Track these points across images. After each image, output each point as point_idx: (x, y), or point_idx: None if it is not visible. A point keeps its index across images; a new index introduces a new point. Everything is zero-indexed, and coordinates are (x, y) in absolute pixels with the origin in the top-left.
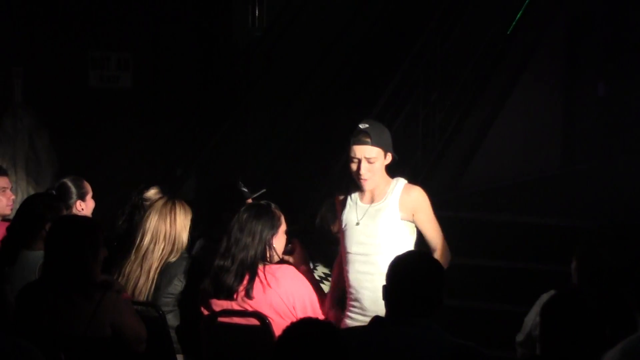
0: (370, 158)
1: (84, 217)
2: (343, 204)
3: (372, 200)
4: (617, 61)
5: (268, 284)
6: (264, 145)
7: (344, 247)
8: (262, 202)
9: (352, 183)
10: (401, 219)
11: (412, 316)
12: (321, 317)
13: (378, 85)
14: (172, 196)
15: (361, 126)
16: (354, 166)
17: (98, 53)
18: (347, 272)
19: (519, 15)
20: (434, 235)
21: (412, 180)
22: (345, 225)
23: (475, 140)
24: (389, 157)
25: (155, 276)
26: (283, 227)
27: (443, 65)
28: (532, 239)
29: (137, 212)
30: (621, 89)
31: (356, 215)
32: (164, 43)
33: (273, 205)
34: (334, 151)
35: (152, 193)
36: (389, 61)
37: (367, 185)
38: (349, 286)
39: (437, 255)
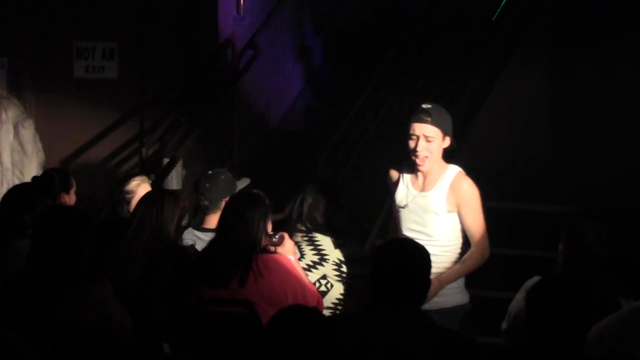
0: (429, 137)
1: (73, 207)
2: (396, 183)
3: (422, 188)
4: (602, 45)
5: (260, 273)
6: (249, 134)
7: (398, 227)
8: (254, 190)
9: (407, 162)
10: (447, 212)
11: (400, 303)
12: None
13: (365, 71)
14: (159, 186)
15: (424, 105)
16: (412, 143)
17: (83, 43)
18: None
19: (504, 1)
20: (474, 230)
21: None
22: (397, 206)
23: (461, 127)
24: (447, 140)
25: (142, 265)
26: (270, 216)
27: (429, 53)
28: (517, 225)
29: (120, 204)
30: (606, 74)
31: (406, 199)
32: (150, 32)
33: (262, 194)
34: (319, 141)
35: (133, 185)
36: (376, 49)
37: (423, 164)
38: None
39: (472, 250)
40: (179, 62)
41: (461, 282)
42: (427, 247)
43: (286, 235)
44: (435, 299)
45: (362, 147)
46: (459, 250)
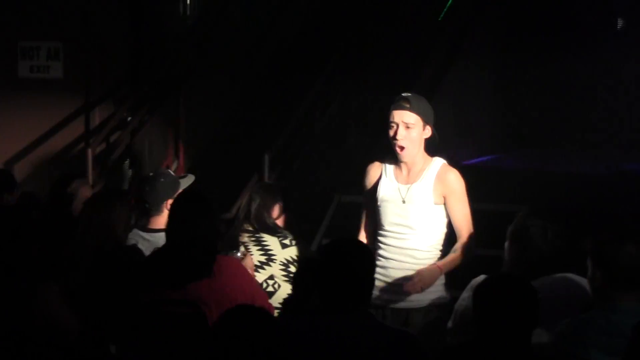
0: (408, 123)
1: (18, 208)
2: (378, 178)
3: (407, 181)
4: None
5: (212, 274)
6: (196, 134)
7: (379, 221)
8: (195, 189)
9: (389, 156)
10: (434, 204)
11: (345, 303)
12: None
13: (312, 71)
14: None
15: (403, 94)
16: (391, 131)
17: (28, 43)
18: (378, 242)
19: (450, 2)
20: (462, 223)
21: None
22: (380, 202)
23: None
24: (429, 130)
25: (89, 266)
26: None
27: (375, 51)
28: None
29: (61, 204)
30: (552, 73)
31: (391, 193)
32: (95, 32)
33: (204, 193)
34: (266, 141)
35: (74, 187)
36: (323, 49)
37: (403, 153)
38: (377, 254)
39: (460, 244)
40: (124, 61)
41: (443, 278)
42: (411, 240)
43: (249, 254)
44: (419, 297)
45: (309, 146)
46: (441, 244)
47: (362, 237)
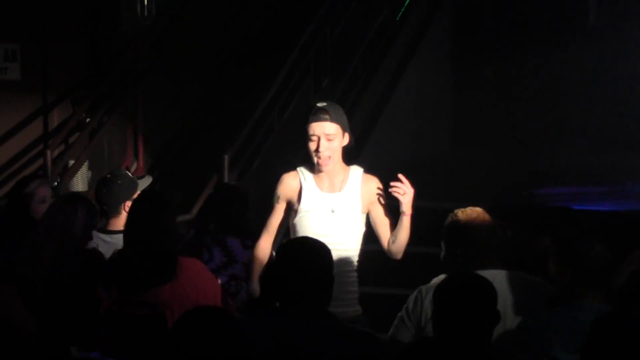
0: (330, 135)
1: None
2: (298, 188)
3: (330, 190)
4: (505, 43)
5: (174, 275)
6: (155, 134)
7: (299, 232)
8: (155, 190)
9: (305, 166)
10: (361, 213)
11: (303, 304)
12: None
13: (269, 73)
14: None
15: (319, 104)
16: (312, 145)
17: None
18: None
19: (407, 1)
20: (388, 228)
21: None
22: (303, 212)
23: (366, 126)
24: (347, 137)
25: (49, 268)
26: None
27: (333, 52)
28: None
29: (19, 205)
30: (508, 71)
31: (316, 203)
32: (52, 33)
33: (161, 194)
34: (224, 142)
35: (32, 187)
36: (280, 48)
37: (326, 165)
38: None
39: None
40: (82, 62)
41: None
42: (333, 250)
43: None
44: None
45: (268, 147)
46: (358, 253)
47: (264, 244)
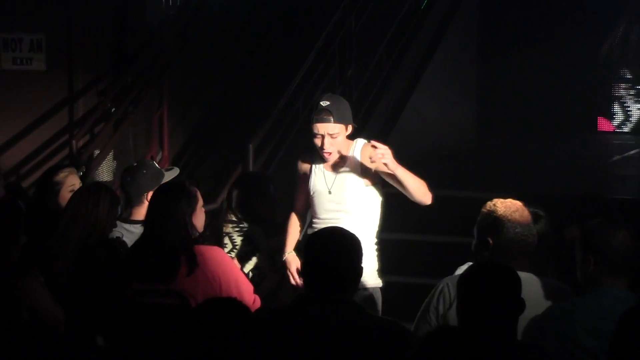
0: (333, 134)
1: (5, 200)
2: (309, 172)
3: (336, 168)
4: (530, 32)
5: (196, 264)
6: (180, 125)
7: (314, 213)
8: (181, 180)
9: (316, 151)
10: (365, 186)
11: (331, 293)
12: (246, 300)
13: (294, 62)
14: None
15: (322, 103)
16: (317, 142)
17: (10, 35)
18: (314, 230)
19: None
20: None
21: None
22: (313, 193)
23: (391, 116)
24: (350, 128)
25: (74, 258)
26: (200, 203)
27: (358, 42)
28: (446, 212)
29: (48, 195)
30: (534, 62)
31: (325, 183)
32: (78, 23)
33: (187, 183)
34: (249, 131)
35: (61, 176)
36: (306, 38)
37: (330, 158)
38: None
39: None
40: (107, 52)
41: (374, 266)
42: (345, 223)
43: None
44: None
45: (293, 136)
46: (376, 228)
47: (293, 222)
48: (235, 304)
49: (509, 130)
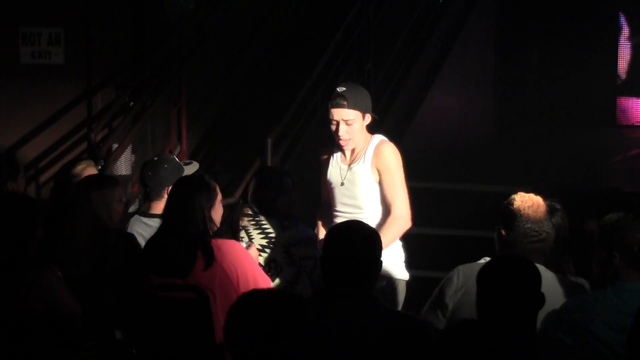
0: (348, 120)
1: (21, 195)
2: (327, 163)
3: (351, 162)
4: (550, 25)
5: (214, 257)
6: (199, 119)
7: (332, 204)
8: (200, 174)
9: (335, 143)
10: (376, 182)
11: (349, 287)
12: None
13: (313, 55)
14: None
15: (338, 89)
16: (333, 127)
17: (29, 29)
18: (333, 222)
19: None
20: (391, 195)
21: None
22: (331, 185)
23: (410, 109)
24: (368, 117)
25: (90, 252)
26: (219, 198)
27: (376, 35)
28: (464, 206)
29: (66, 189)
30: (552, 56)
31: (340, 175)
32: (96, 17)
33: (207, 176)
34: (267, 125)
35: (79, 169)
36: (324, 31)
37: (346, 146)
38: None
39: (390, 217)
40: (125, 46)
41: (401, 257)
42: (359, 218)
43: (252, 245)
44: None
45: (311, 130)
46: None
47: (322, 213)
48: (285, 296)
49: (527, 123)
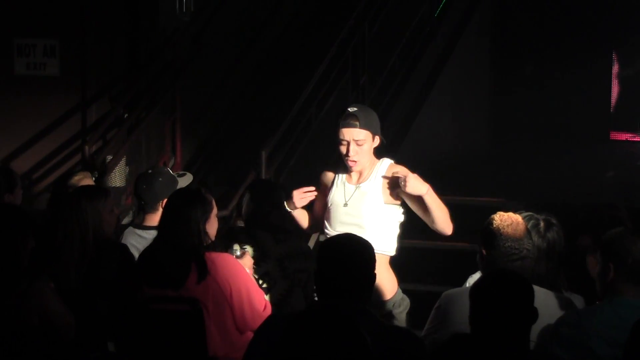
0: (359, 140)
1: (12, 206)
2: (331, 183)
3: (358, 182)
4: (544, 40)
5: (207, 271)
6: (193, 131)
7: (328, 225)
8: (194, 187)
9: (341, 163)
10: (385, 203)
11: (344, 299)
12: (257, 307)
13: (308, 68)
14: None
15: (350, 109)
16: (343, 148)
17: (24, 40)
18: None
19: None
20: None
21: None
22: (331, 205)
23: (404, 123)
24: (377, 140)
25: (81, 263)
26: (214, 211)
27: (371, 49)
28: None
29: (62, 200)
30: (547, 70)
31: (344, 195)
32: (91, 29)
33: (203, 190)
34: (262, 138)
35: (75, 180)
36: (319, 45)
37: (355, 167)
38: None
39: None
40: (120, 58)
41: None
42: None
43: (247, 252)
44: None
45: (305, 143)
46: (394, 245)
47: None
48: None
49: (521, 137)
